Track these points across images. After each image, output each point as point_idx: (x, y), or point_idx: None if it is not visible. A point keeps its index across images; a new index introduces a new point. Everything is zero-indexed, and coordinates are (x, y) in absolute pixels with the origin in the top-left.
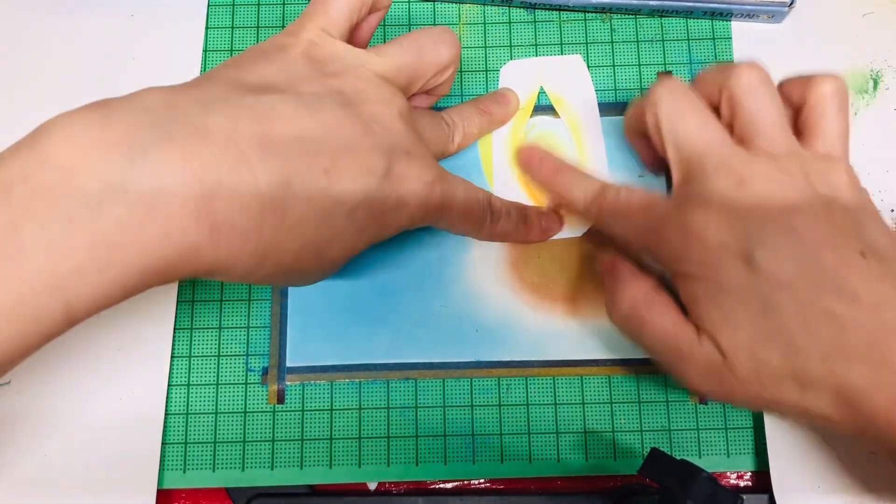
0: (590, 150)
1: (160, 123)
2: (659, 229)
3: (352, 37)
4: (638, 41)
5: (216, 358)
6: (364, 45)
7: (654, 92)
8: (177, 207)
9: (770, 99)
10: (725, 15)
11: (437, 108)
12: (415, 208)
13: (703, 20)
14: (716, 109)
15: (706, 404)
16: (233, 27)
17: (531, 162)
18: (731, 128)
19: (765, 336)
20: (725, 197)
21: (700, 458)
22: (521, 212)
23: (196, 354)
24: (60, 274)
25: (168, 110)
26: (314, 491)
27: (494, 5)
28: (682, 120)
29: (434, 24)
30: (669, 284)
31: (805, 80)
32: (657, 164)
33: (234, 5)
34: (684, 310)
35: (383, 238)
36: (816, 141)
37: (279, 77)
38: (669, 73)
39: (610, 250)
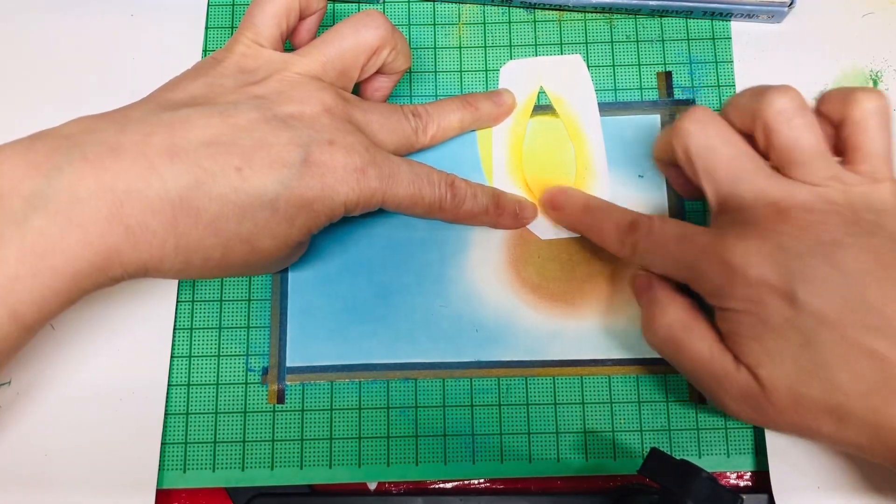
0: (590, 150)
1: (77, 145)
2: (697, 263)
3: (293, 40)
4: (638, 41)
5: (216, 358)
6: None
7: (681, 124)
8: (91, 215)
9: (807, 125)
10: (725, 15)
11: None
12: (347, 195)
13: (702, 20)
14: (749, 136)
15: (706, 404)
16: (233, 27)
17: (556, 202)
18: (766, 155)
19: (805, 371)
20: (765, 229)
21: (700, 458)
22: (494, 196)
23: (196, 354)
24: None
25: (86, 134)
26: (314, 491)
27: (494, 5)
28: (713, 151)
29: (433, 24)
30: (705, 304)
31: (845, 97)
32: (690, 192)
33: (234, 5)
34: (720, 332)
35: (323, 225)
36: (860, 161)
37: (203, 90)
38: (669, 73)
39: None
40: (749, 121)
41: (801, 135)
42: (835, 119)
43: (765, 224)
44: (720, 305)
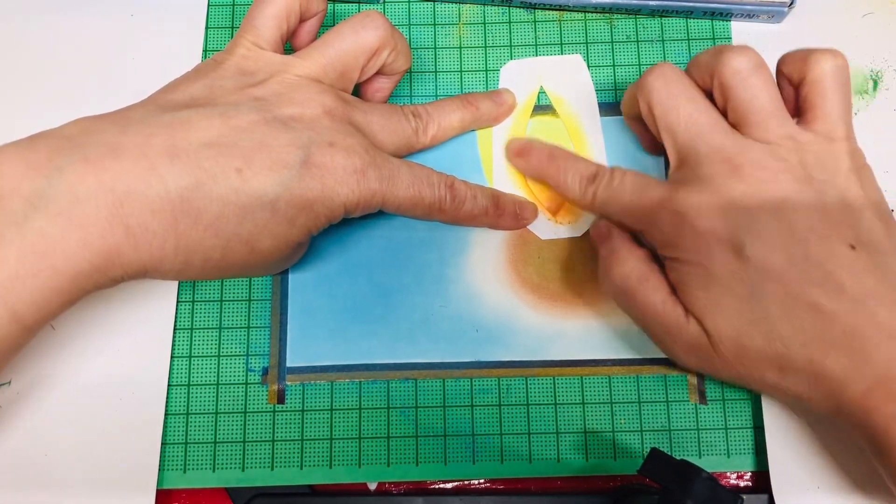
0: (590, 151)
1: (78, 146)
2: (652, 214)
3: (293, 42)
4: (638, 41)
5: (216, 358)
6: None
7: (646, 79)
8: (91, 215)
9: (762, 84)
10: (725, 15)
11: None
12: (347, 196)
13: (703, 20)
14: (710, 94)
15: (706, 404)
16: (233, 27)
17: (522, 152)
18: (725, 113)
19: (749, 322)
20: (718, 184)
21: (700, 458)
22: (493, 197)
23: (196, 354)
24: (0, 281)
25: (86, 135)
26: (314, 491)
27: (494, 5)
28: (674, 107)
29: (433, 24)
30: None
31: (803, 57)
32: (655, 147)
33: (234, 5)
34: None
35: (323, 226)
36: (816, 121)
37: (203, 92)
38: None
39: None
40: (708, 79)
41: (756, 94)
42: (794, 80)
43: (718, 179)
44: (670, 255)
